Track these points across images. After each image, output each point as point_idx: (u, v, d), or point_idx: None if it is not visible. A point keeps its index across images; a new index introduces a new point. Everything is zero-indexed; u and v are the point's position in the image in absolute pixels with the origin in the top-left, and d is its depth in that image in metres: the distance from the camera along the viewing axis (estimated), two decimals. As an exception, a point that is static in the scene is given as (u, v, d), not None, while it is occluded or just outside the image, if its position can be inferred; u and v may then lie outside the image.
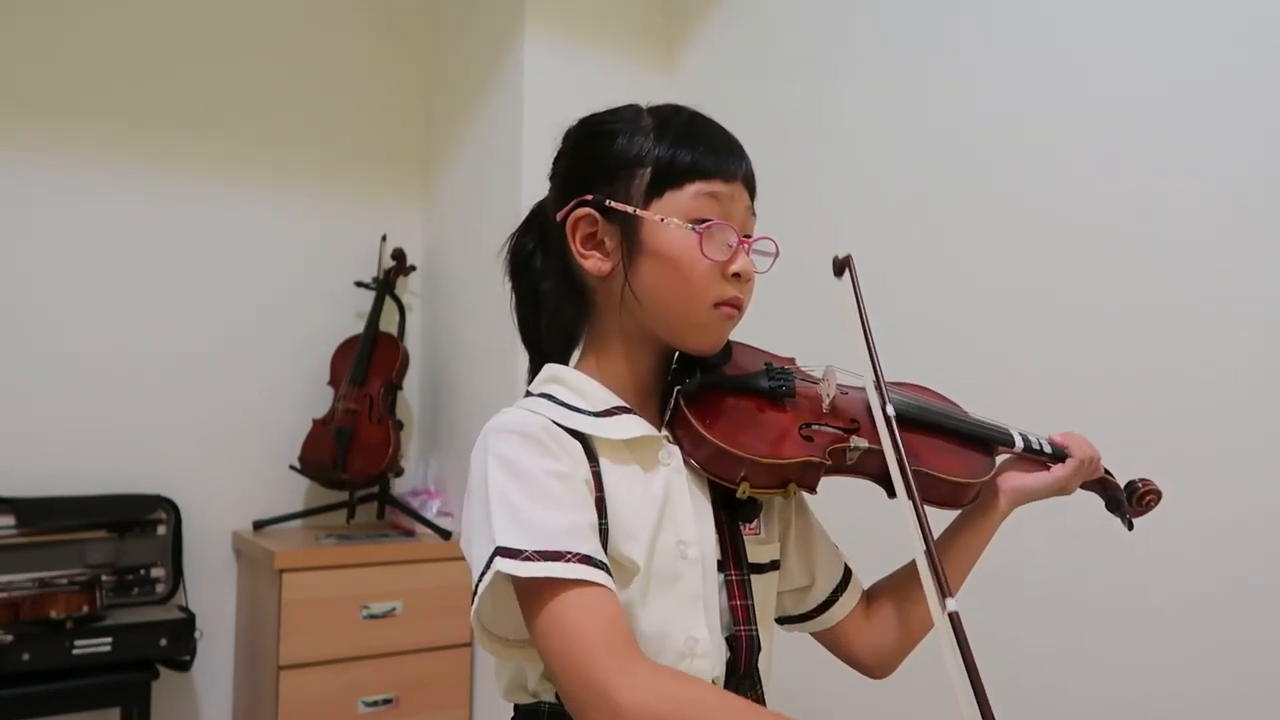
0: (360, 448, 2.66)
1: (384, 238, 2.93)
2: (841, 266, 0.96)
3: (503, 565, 0.76)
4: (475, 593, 0.79)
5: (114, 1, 2.62)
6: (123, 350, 2.59)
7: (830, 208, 2.12)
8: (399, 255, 2.90)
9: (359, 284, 2.88)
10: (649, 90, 0.97)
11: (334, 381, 2.80)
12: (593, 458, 0.86)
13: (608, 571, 0.78)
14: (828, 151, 2.16)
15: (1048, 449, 1.04)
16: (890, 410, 0.88)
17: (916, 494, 0.82)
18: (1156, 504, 1.08)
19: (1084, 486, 1.08)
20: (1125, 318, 1.57)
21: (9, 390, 2.45)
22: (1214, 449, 1.44)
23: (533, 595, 0.77)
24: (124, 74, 2.63)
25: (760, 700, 0.92)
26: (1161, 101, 1.54)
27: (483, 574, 0.78)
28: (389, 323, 2.88)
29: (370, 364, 2.77)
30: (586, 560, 0.77)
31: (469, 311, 2.72)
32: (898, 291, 1.94)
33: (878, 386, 0.90)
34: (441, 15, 3.02)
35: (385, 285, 2.87)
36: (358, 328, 2.84)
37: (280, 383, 2.79)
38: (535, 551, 0.76)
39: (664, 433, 0.91)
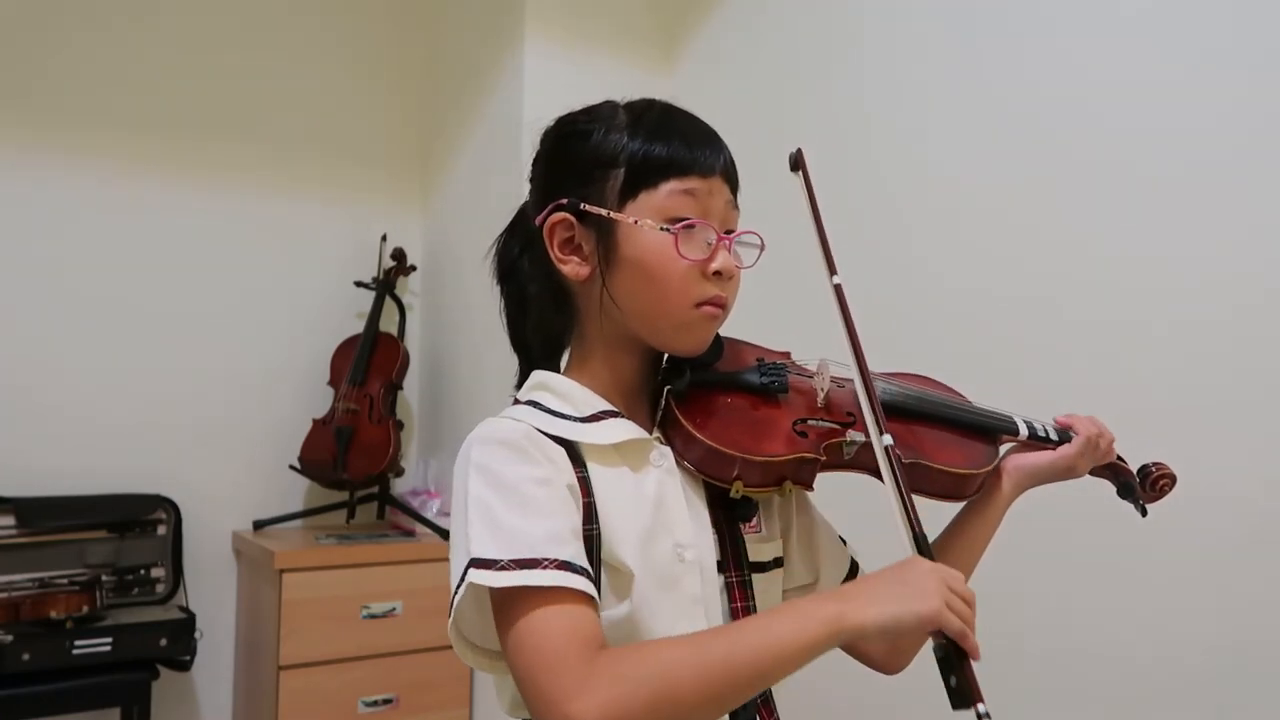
0: (360, 448, 2.66)
1: (384, 238, 2.92)
2: (796, 162, 0.95)
3: (476, 577, 0.75)
4: (452, 606, 0.78)
5: (113, 8, 2.62)
6: (123, 350, 2.59)
7: (829, 205, 2.12)
8: (399, 255, 2.90)
9: (359, 284, 2.87)
10: (648, 90, 0.96)
11: (334, 381, 2.79)
12: (580, 464, 0.84)
13: (588, 576, 0.76)
14: (827, 151, 2.15)
15: (1054, 435, 1.02)
16: (836, 280, 0.89)
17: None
18: (1171, 489, 1.06)
19: (1095, 473, 1.06)
20: (1134, 302, 1.57)
21: (9, 390, 2.45)
22: (1220, 422, 1.44)
23: (505, 607, 0.75)
24: (123, 79, 2.63)
25: (769, 703, 0.91)
26: (1166, 87, 1.54)
27: (458, 587, 0.77)
28: (389, 323, 2.88)
29: (370, 364, 2.77)
30: (564, 566, 0.75)
31: (469, 311, 2.72)
32: (897, 287, 1.94)
33: (830, 268, 0.90)
34: (441, 15, 3.02)
35: (385, 285, 2.87)
36: (358, 328, 2.84)
37: (280, 383, 2.79)
38: (511, 560, 0.74)
39: (655, 434, 0.90)
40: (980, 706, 0.69)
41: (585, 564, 0.77)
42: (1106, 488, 1.10)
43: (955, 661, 0.72)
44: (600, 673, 0.70)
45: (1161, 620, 1.50)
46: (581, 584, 0.75)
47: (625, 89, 0.98)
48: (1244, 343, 1.42)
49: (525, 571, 0.74)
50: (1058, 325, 1.67)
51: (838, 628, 0.72)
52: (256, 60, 2.82)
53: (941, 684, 0.73)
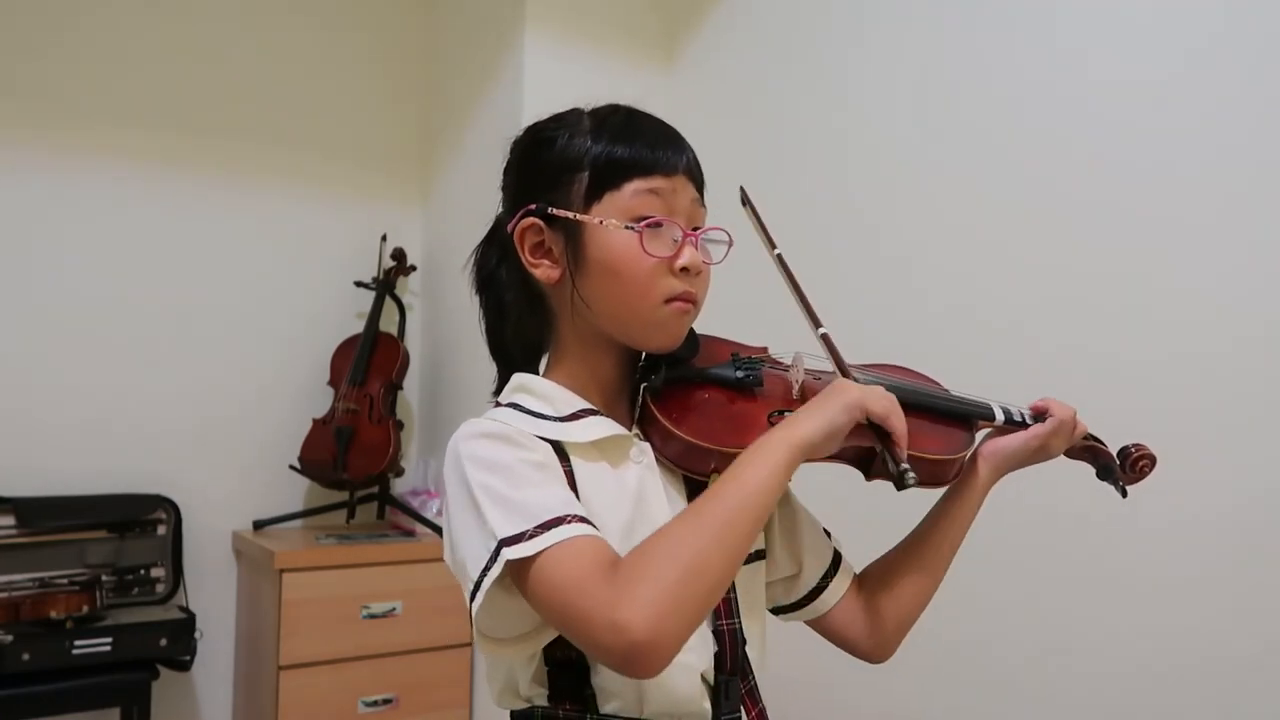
0: (360, 448, 2.66)
1: (384, 238, 2.93)
2: (745, 198, 0.99)
3: (511, 553, 0.76)
4: (478, 591, 0.78)
5: (113, 8, 2.63)
6: (123, 350, 2.59)
7: (830, 203, 2.12)
8: (399, 255, 2.90)
9: (359, 284, 2.88)
10: (649, 90, 0.97)
11: (334, 381, 2.80)
12: (564, 458, 0.86)
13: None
14: (827, 148, 2.16)
15: (1029, 419, 1.03)
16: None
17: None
18: (1151, 469, 1.06)
19: (1073, 455, 1.07)
20: (1127, 301, 1.57)
21: (9, 390, 2.46)
22: (1217, 432, 1.43)
23: (534, 570, 0.77)
24: (124, 77, 2.64)
25: (753, 693, 0.92)
26: (1161, 84, 1.54)
27: (486, 570, 0.78)
28: (389, 323, 2.88)
29: (370, 364, 2.77)
30: (584, 520, 0.78)
31: (469, 311, 2.70)
32: (894, 283, 1.94)
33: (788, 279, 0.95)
34: (441, 15, 3.02)
35: (385, 285, 2.87)
36: (358, 328, 2.84)
37: (280, 383, 2.80)
38: (537, 527, 0.77)
39: (635, 431, 0.92)
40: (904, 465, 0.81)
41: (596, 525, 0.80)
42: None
43: (887, 450, 0.83)
44: (625, 578, 0.73)
45: (1154, 629, 1.49)
46: (599, 535, 0.78)
47: (625, 88, 0.99)
48: (1245, 343, 1.41)
49: (553, 531, 0.76)
50: (1056, 322, 1.67)
51: (793, 446, 0.79)
52: (257, 60, 2.82)
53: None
